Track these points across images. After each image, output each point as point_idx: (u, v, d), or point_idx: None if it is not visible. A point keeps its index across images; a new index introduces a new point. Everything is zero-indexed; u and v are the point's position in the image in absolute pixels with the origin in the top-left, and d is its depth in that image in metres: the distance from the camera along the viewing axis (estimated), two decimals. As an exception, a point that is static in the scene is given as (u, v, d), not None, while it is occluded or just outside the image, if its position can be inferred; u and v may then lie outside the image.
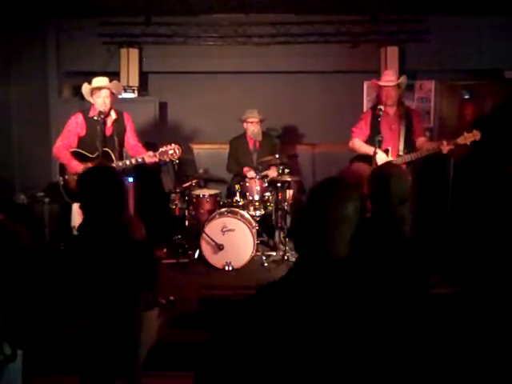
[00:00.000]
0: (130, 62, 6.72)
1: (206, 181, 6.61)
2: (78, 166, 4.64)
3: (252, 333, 1.49)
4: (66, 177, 4.78)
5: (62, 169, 4.84)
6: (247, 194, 5.63)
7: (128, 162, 4.74)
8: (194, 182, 5.85)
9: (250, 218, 5.50)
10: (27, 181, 6.46)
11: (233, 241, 5.25)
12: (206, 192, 5.80)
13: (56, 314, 3.34)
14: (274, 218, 5.85)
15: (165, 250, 5.67)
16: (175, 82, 7.00)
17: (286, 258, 5.39)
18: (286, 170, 5.64)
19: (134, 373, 2.63)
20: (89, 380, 2.55)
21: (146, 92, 7.07)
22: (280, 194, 5.65)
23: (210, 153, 7.02)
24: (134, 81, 6.72)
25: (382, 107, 4.73)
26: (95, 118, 4.67)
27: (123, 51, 6.71)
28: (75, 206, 4.72)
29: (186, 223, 5.72)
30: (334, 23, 6.61)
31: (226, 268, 5.22)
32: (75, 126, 4.80)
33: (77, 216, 4.54)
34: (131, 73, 6.72)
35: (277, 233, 5.92)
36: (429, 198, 5.90)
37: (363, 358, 1.44)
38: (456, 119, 6.92)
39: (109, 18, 6.59)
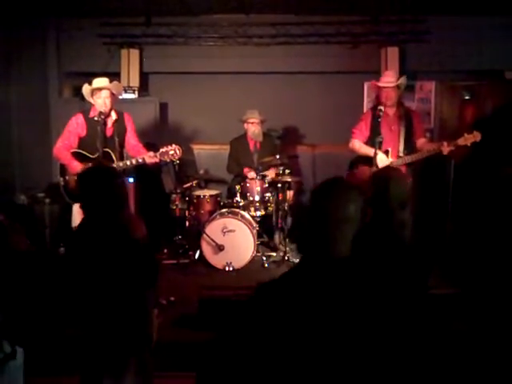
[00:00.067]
0: (130, 62, 6.72)
1: (207, 181, 6.61)
2: (78, 167, 4.63)
3: (253, 333, 1.49)
4: (67, 177, 4.78)
5: (63, 169, 4.84)
6: (248, 194, 5.64)
7: (128, 163, 4.74)
8: (194, 182, 5.85)
9: (250, 219, 5.50)
10: (27, 181, 6.46)
11: (233, 241, 5.25)
12: (206, 192, 5.81)
13: (54, 315, 3.34)
14: (274, 218, 5.85)
15: (165, 251, 5.67)
16: (176, 82, 7.00)
17: (286, 258, 5.39)
18: (287, 171, 5.64)
19: (147, 369, 2.63)
20: (88, 381, 2.55)
21: (147, 92, 7.07)
22: (280, 195, 5.65)
23: (210, 153, 7.03)
24: (135, 81, 6.72)
25: (382, 108, 4.73)
26: (96, 118, 4.67)
27: (124, 52, 6.71)
28: (76, 207, 4.72)
29: (187, 224, 5.72)
30: (335, 24, 6.61)
31: (227, 268, 5.22)
32: (76, 126, 4.80)
33: (77, 217, 4.53)
34: (132, 73, 6.72)
35: (277, 233, 5.93)
36: (429, 198, 5.90)
37: (363, 356, 1.44)
38: (456, 120, 6.91)
39: (109, 18, 6.59)
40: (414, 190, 4.92)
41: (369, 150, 4.74)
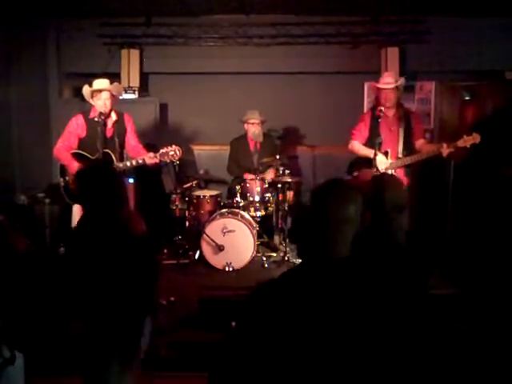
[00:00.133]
0: (130, 62, 6.72)
1: (207, 182, 6.61)
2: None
3: (252, 334, 1.49)
4: (67, 178, 4.78)
5: (63, 170, 4.84)
6: (248, 194, 5.64)
7: (129, 163, 4.75)
8: (194, 182, 5.86)
9: (250, 219, 5.51)
10: (28, 181, 6.46)
11: (233, 241, 5.26)
12: (206, 193, 5.81)
13: (55, 315, 3.33)
14: (274, 219, 5.85)
15: (165, 251, 5.67)
16: (176, 82, 7.00)
17: (286, 258, 5.39)
18: (287, 171, 5.64)
19: (136, 362, 2.63)
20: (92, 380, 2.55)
21: (147, 93, 7.07)
22: (280, 195, 5.65)
23: (210, 154, 7.03)
24: (135, 82, 6.72)
25: (382, 108, 4.73)
26: (96, 119, 4.68)
27: (124, 52, 6.71)
28: (76, 207, 4.73)
29: (187, 224, 5.73)
30: (335, 24, 6.61)
31: (227, 269, 5.22)
32: (76, 127, 4.81)
33: (77, 217, 4.53)
34: (132, 74, 6.72)
35: (277, 234, 5.93)
36: (429, 199, 5.90)
37: (363, 356, 1.44)
38: (456, 120, 6.91)
39: (109, 18, 6.59)
40: (414, 191, 4.93)
41: (368, 152, 4.73)
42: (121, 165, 4.71)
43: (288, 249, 5.46)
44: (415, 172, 4.96)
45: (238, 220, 5.32)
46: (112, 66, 6.66)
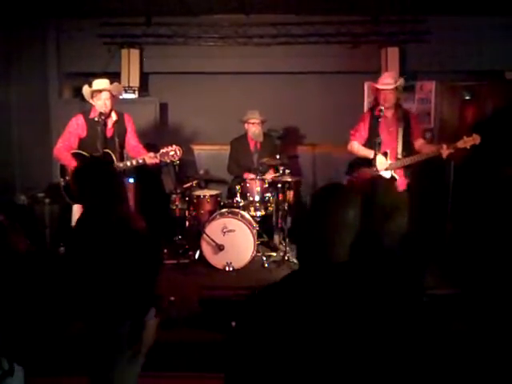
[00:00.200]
0: (130, 62, 6.72)
1: (207, 181, 6.62)
2: (78, 167, 4.64)
3: (251, 337, 1.50)
4: (67, 178, 4.78)
5: (63, 170, 4.85)
6: (248, 194, 5.64)
7: (129, 163, 4.75)
8: (194, 182, 5.86)
9: (250, 219, 5.51)
10: (28, 181, 6.46)
11: (233, 241, 5.26)
12: (206, 193, 5.81)
13: (55, 317, 3.33)
14: (274, 218, 5.86)
15: (165, 251, 5.67)
16: (176, 82, 7.00)
17: (286, 258, 5.39)
18: (287, 171, 5.64)
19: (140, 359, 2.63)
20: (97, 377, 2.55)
21: (147, 92, 7.07)
22: (280, 195, 5.65)
23: (210, 154, 7.03)
24: (135, 81, 6.73)
25: (382, 108, 4.72)
26: (96, 119, 4.69)
27: (124, 52, 6.71)
28: (76, 207, 4.73)
29: (187, 224, 5.73)
30: (335, 24, 6.61)
31: (227, 268, 5.23)
32: (76, 127, 4.81)
33: (77, 217, 4.54)
34: (132, 73, 6.72)
35: (277, 233, 5.93)
36: (429, 200, 5.90)
37: (361, 359, 1.44)
38: (457, 120, 6.91)
39: (109, 18, 6.59)
40: (414, 191, 4.92)
41: (368, 152, 4.72)
42: (121, 165, 4.71)
43: (288, 248, 5.46)
44: (415, 173, 4.96)
45: (238, 220, 5.32)
46: (112, 65, 6.67)
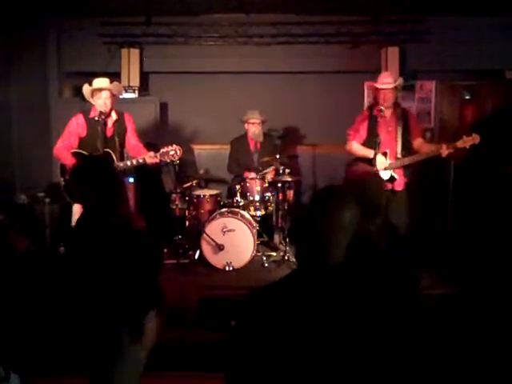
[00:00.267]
0: (130, 62, 6.72)
1: (207, 181, 6.61)
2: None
3: (248, 338, 1.52)
4: (67, 177, 4.78)
5: (63, 169, 4.84)
6: (248, 194, 5.64)
7: (129, 163, 4.75)
8: (194, 182, 5.86)
9: (250, 219, 5.51)
10: (28, 181, 6.46)
11: (233, 241, 5.26)
12: (206, 192, 5.81)
13: (53, 320, 3.33)
14: (274, 218, 5.86)
15: (165, 251, 5.67)
16: (176, 82, 7.00)
17: (286, 258, 5.39)
18: (287, 171, 5.64)
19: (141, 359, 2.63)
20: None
21: (147, 92, 7.07)
22: (280, 195, 5.65)
23: (210, 153, 7.03)
24: (135, 81, 6.72)
25: (382, 108, 4.71)
26: (96, 118, 4.68)
27: (124, 51, 6.71)
28: (76, 207, 4.73)
29: (187, 223, 5.73)
30: (335, 23, 6.61)
31: (227, 268, 5.22)
32: (76, 126, 4.81)
33: (77, 216, 4.54)
34: (132, 73, 6.72)
35: (277, 233, 5.93)
36: (429, 200, 5.91)
37: (357, 357, 1.46)
38: (456, 120, 6.91)
39: (109, 18, 6.59)
40: (414, 191, 4.93)
41: (367, 152, 4.71)
42: (121, 164, 4.71)
43: (288, 248, 5.45)
44: (415, 172, 4.96)
45: (238, 219, 5.32)
46: (112, 65, 6.67)
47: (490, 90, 6.82)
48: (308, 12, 6.54)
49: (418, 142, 4.84)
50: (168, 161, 4.83)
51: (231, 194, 5.98)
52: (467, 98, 6.94)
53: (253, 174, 5.81)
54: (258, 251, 5.45)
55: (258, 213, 5.63)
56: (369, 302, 1.54)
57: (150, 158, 4.72)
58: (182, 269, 5.25)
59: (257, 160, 6.06)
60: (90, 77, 4.99)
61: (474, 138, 4.45)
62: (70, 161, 4.72)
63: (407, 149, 4.76)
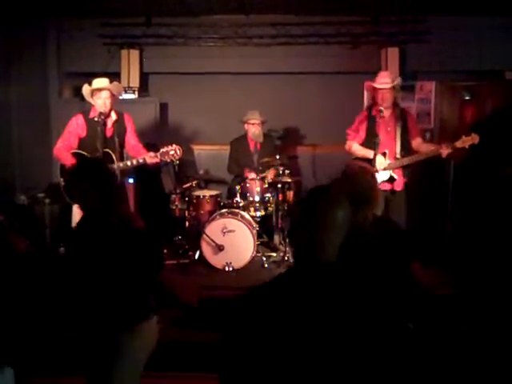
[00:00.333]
0: (130, 62, 6.72)
1: (207, 182, 6.62)
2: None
3: (244, 337, 1.52)
4: (67, 177, 4.78)
5: (63, 170, 4.84)
6: (248, 194, 5.64)
7: (129, 163, 4.75)
8: (194, 182, 5.86)
9: (250, 219, 5.51)
10: (28, 181, 6.46)
11: (233, 241, 5.26)
12: (206, 193, 5.81)
13: (53, 320, 3.32)
14: (274, 219, 5.85)
15: (165, 251, 5.66)
16: (176, 82, 7.01)
17: (286, 258, 5.39)
18: (287, 171, 5.64)
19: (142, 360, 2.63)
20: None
21: (147, 93, 7.07)
22: (280, 195, 5.65)
23: (210, 154, 7.03)
24: (135, 82, 6.72)
25: (382, 108, 4.71)
26: (96, 119, 4.68)
27: (124, 52, 6.71)
28: (76, 207, 4.72)
29: (187, 224, 5.73)
30: (335, 24, 6.61)
31: (227, 269, 5.23)
32: (76, 127, 4.81)
33: (77, 217, 4.51)
34: (132, 74, 6.72)
35: (277, 234, 5.93)
36: (429, 200, 5.91)
37: (353, 356, 1.46)
38: (456, 120, 6.91)
39: (109, 18, 6.59)
40: (414, 191, 4.93)
41: (367, 153, 4.71)
42: (121, 164, 4.71)
43: (288, 249, 5.45)
44: (415, 172, 4.96)
45: (238, 220, 5.32)
46: (112, 65, 6.66)
47: (489, 91, 6.81)
48: (308, 12, 6.54)
49: (417, 142, 4.84)
50: (168, 161, 4.83)
51: (231, 194, 5.98)
52: (467, 98, 6.93)
53: (253, 174, 5.81)
54: (257, 252, 5.45)
55: (258, 213, 5.64)
56: (363, 301, 1.54)
57: (150, 158, 4.71)
58: (181, 269, 5.25)
59: (257, 160, 6.06)
60: (89, 77, 5.00)
61: (473, 138, 4.45)
62: (69, 161, 4.72)
63: (406, 149, 4.76)
